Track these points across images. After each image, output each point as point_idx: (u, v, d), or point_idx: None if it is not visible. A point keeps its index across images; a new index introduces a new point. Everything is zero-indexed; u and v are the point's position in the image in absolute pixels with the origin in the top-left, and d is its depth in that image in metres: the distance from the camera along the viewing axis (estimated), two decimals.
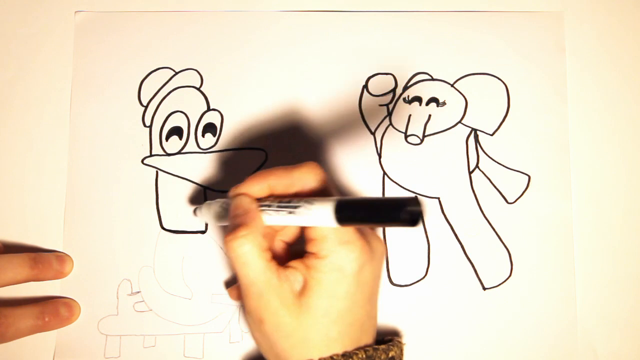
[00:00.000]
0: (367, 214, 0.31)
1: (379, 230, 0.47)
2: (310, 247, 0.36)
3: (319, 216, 0.33)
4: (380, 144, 0.48)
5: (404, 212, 0.29)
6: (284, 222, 0.35)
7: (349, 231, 0.35)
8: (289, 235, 0.40)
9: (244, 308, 0.36)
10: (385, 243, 0.47)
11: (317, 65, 0.49)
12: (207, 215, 0.42)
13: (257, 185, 0.37)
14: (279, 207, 0.35)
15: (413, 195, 0.29)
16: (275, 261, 0.36)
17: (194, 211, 0.44)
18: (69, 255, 0.46)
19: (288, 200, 0.35)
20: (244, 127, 0.48)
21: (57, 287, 0.46)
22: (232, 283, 0.46)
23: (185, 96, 0.49)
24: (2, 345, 0.44)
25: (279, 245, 0.39)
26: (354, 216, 0.32)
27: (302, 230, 0.37)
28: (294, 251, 0.39)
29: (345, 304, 0.35)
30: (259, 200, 0.37)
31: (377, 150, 0.48)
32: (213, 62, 0.49)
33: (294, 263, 0.36)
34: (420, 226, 0.28)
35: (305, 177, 0.36)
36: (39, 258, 0.44)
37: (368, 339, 0.37)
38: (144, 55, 0.49)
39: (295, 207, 0.34)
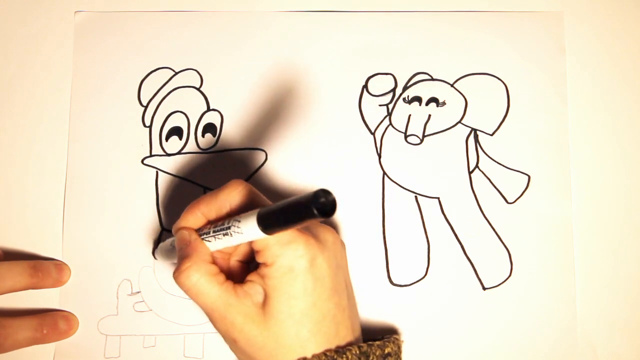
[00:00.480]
0: (285, 217, 0.32)
1: (378, 231, 0.47)
2: (259, 258, 0.36)
3: (248, 231, 0.34)
4: (380, 144, 0.48)
5: (317, 205, 0.29)
6: (224, 245, 0.36)
7: (288, 232, 0.35)
8: (241, 254, 0.40)
9: (218, 332, 0.37)
10: (385, 243, 0.47)
11: (317, 65, 0.49)
12: (161, 256, 0.44)
13: (192, 217, 0.38)
14: (214, 232, 0.37)
15: (322, 187, 0.30)
16: (230, 281, 0.36)
17: (153, 254, 0.47)
18: (67, 264, 0.46)
19: (222, 223, 0.36)
20: (244, 127, 0.48)
21: (57, 289, 0.46)
22: None
23: (185, 96, 0.49)
24: None
25: (236, 265, 0.40)
26: (276, 222, 0.33)
27: (249, 245, 0.38)
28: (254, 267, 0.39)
29: (306, 302, 0.35)
30: (198, 230, 0.38)
31: (377, 150, 0.48)
32: (213, 62, 0.49)
33: (251, 277, 0.37)
34: (334, 215, 0.30)
35: (231, 196, 0.37)
36: (39, 266, 0.45)
37: (346, 332, 0.37)
38: (144, 55, 0.49)
39: (228, 228, 0.35)
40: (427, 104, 0.49)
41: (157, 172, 0.48)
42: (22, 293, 0.45)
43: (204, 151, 0.48)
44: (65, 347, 0.46)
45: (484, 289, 0.47)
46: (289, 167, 0.48)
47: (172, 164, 0.48)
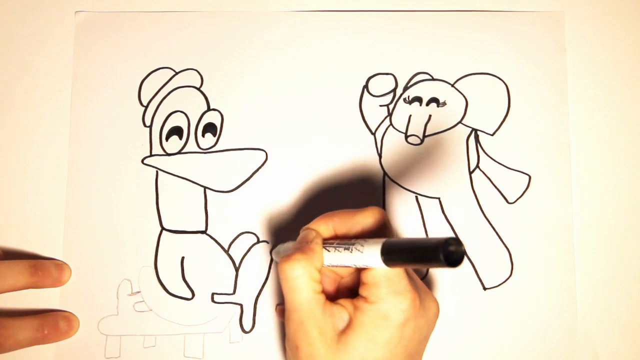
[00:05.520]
0: (410, 255, 0.32)
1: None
2: (362, 291, 0.36)
3: (369, 255, 0.34)
4: (381, 144, 0.48)
5: (445, 252, 0.29)
6: (340, 260, 0.36)
7: (402, 283, 0.35)
8: (352, 283, 0.40)
9: (286, 333, 0.37)
10: None
11: (317, 65, 0.49)
12: (278, 255, 0.43)
13: (323, 224, 0.38)
14: (338, 244, 0.36)
15: (453, 235, 0.30)
16: (323, 295, 0.36)
17: (271, 252, 0.46)
18: (67, 264, 0.46)
19: (348, 239, 0.36)
20: (244, 127, 0.48)
21: (58, 289, 0.46)
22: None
23: (185, 96, 0.49)
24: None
25: (340, 290, 0.40)
26: (399, 257, 0.32)
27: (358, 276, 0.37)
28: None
29: (383, 353, 0.35)
30: (324, 239, 0.38)
31: (377, 151, 0.48)
32: (213, 62, 0.49)
33: (342, 301, 0.36)
34: (462, 266, 0.30)
35: (366, 221, 0.37)
36: (39, 265, 0.45)
37: None
38: (144, 55, 0.49)
39: (352, 244, 0.35)
40: (427, 104, 0.49)
41: (157, 172, 0.48)
42: (22, 293, 0.45)
43: (204, 151, 0.48)
44: (66, 347, 0.46)
45: (485, 289, 0.47)
46: (289, 167, 0.48)
47: (172, 164, 0.48)
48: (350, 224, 0.37)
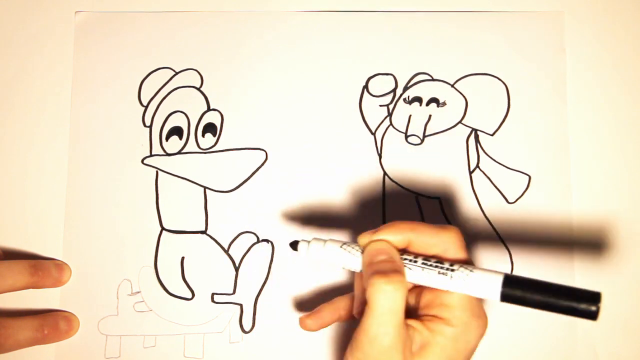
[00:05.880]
0: (539, 297, 0.31)
1: None
2: (440, 312, 0.34)
3: (481, 287, 0.33)
4: (381, 144, 0.48)
5: (584, 305, 0.29)
6: (427, 282, 0.34)
7: (480, 305, 0.34)
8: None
9: (353, 351, 0.34)
10: None
11: (317, 65, 0.49)
12: (319, 252, 0.37)
13: (398, 236, 0.35)
14: (425, 264, 0.34)
15: (596, 291, 0.30)
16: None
17: (294, 245, 0.38)
18: (67, 264, 0.46)
19: (437, 260, 0.34)
20: (244, 127, 0.48)
21: (58, 289, 0.46)
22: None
23: (185, 96, 0.49)
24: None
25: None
26: (522, 296, 0.32)
27: (418, 292, 0.36)
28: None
29: None
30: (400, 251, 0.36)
31: (377, 151, 0.48)
32: (213, 62, 0.49)
33: (414, 323, 0.34)
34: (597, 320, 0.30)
35: (449, 242, 0.35)
36: (39, 265, 0.45)
37: None
38: (144, 55, 0.49)
39: (450, 270, 0.33)
40: (427, 104, 0.49)
41: (157, 172, 0.48)
42: (22, 293, 0.45)
43: (204, 151, 0.48)
44: (66, 347, 0.46)
45: None
46: (289, 167, 0.48)
47: (172, 164, 0.48)
48: (431, 241, 0.35)
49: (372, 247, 0.35)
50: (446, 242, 0.35)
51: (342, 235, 0.47)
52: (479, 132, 0.48)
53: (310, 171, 0.48)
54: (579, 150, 0.48)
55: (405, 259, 0.35)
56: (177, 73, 0.49)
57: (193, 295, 0.46)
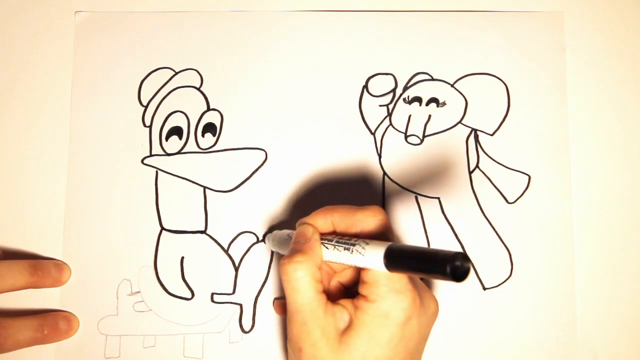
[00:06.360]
0: (414, 263, 0.32)
1: None
2: (362, 290, 0.36)
3: (370, 258, 0.34)
4: (381, 144, 0.48)
5: (451, 266, 0.29)
6: (338, 258, 0.36)
7: (402, 281, 0.35)
8: (346, 278, 0.40)
9: (288, 334, 0.37)
10: None
11: (317, 65, 0.49)
12: (272, 243, 0.44)
13: (322, 219, 0.38)
14: (337, 242, 0.36)
15: (460, 251, 0.30)
16: (325, 295, 0.36)
17: (263, 238, 0.47)
18: (67, 264, 0.46)
19: (348, 238, 0.36)
20: (244, 127, 0.48)
21: (58, 289, 0.46)
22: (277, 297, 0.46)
23: (185, 96, 0.49)
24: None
25: (335, 285, 0.40)
26: (402, 263, 0.32)
27: (359, 273, 0.37)
28: (349, 294, 0.39)
29: (384, 352, 0.34)
30: (321, 234, 0.38)
31: (377, 151, 0.48)
32: (213, 62, 0.49)
33: (343, 301, 0.36)
34: (465, 281, 0.30)
35: (368, 220, 0.37)
36: (38, 265, 0.45)
37: None
38: (144, 55, 0.49)
39: (352, 244, 0.35)
40: (427, 104, 0.49)
41: (157, 172, 0.48)
42: (22, 293, 0.45)
43: (204, 151, 0.48)
44: (66, 347, 0.46)
45: (484, 289, 0.47)
46: (289, 167, 0.48)
47: (172, 164, 0.48)
48: (350, 221, 0.37)
49: (297, 231, 0.39)
50: (364, 221, 0.37)
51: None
52: (478, 132, 0.48)
53: (310, 171, 0.48)
54: (579, 150, 0.48)
55: (324, 240, 0.37)
56: (177, 73, 0.49)
57: (193, 295, 0.46)
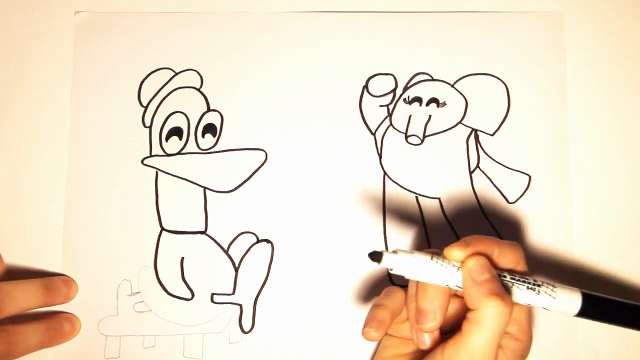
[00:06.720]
0: (614, 314, 0.33)
1: (378, 232, 0.47)
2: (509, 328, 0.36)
3: (562, 303, 0.34)
4: (381, 144, 0.48)
5: None
6: (524, 299, 0.35)
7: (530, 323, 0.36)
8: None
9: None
10: (386, 243, 0.47)
11: (317, 65, 0.49)
12: (407, 265, 0.35)
13: (486, 250, 0.36)
14: (512, 279, 0.35)
15: None
16: None
17: (373, 257, 0.35)
18: (74, 280, 0.46)
19: (521, 276, 0.35)
20: (244, 127, 0.48)
21: None
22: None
23: (185, 97, 0.49)
24: None
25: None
26: (599, 313, 0.33)
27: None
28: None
29: None
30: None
31: (377, 151, 0.48)
32: (213, 63, 0.49)
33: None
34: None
35: (521, 257, 0.37)
36: (51, 285, 0.45)
37: None
38: (144, 56, 0.49)
39: (537, 285, 0.34)
40: (427, 104, 0.49)
41: (157, 173, 0.48)
42: None
43: (204, 152, 0.48)
44: (66, 347, 0.46)
45: None
46: (289, 167, 0.48)
47: (172, 165, 0.48)
48: (509, 255, 0.36)
49: (474, 263, 0.35)
50: (518, 257, 0.36)
51: (342, 235, 0.47)
52: (479, 132, 0.48)
53: (310, 171, 0.48)
54: (579, 150, 0.48)
55: (510, 278, 0.35)
56: (177, 73, 0.49)
57: (193, 295, 0.46)
